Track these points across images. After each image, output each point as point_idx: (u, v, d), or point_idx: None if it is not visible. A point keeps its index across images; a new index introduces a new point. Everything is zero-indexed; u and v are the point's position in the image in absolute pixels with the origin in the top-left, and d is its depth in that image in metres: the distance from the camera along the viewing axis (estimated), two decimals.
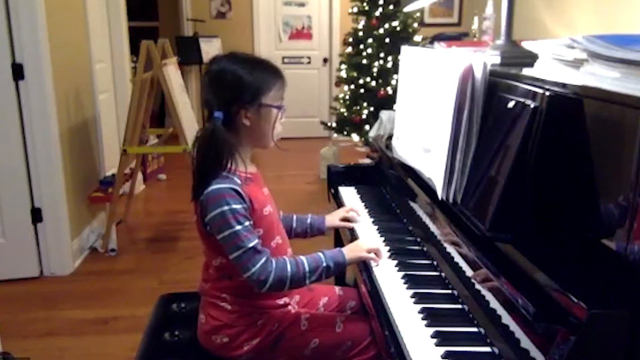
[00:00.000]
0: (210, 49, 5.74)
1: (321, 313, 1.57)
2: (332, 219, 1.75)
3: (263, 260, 1.31)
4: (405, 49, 1.81)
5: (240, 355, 1.42)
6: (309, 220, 1.69)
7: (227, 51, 1.43)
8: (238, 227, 1.30)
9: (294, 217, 1.69)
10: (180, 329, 1.56)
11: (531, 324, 0.88)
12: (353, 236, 1.67)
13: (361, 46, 4.64)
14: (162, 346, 1.52)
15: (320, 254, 1.41)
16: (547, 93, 1.03)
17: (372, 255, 1.44)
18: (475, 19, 2.72)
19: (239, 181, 1.34)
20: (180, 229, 3.67)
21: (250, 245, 1.30)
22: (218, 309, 1.43)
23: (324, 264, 1.38)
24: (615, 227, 0.92)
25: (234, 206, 1.30)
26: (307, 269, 1.36)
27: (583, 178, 1.00)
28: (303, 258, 1.38)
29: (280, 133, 1.43)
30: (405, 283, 1.33)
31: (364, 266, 1.45)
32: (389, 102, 4.30)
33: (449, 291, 1.29)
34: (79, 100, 3.43)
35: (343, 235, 1.79)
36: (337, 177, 2.18)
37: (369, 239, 1.61)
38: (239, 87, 1.33)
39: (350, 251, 1.44)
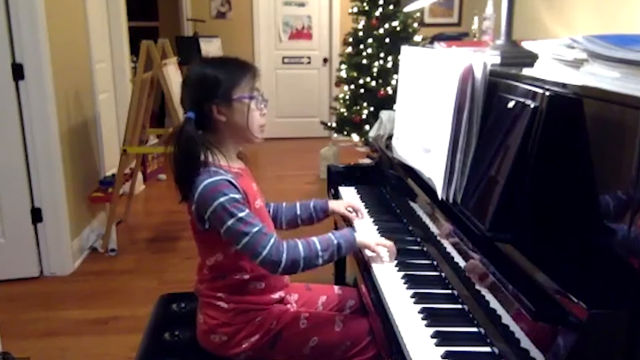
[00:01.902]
0: (210, 49, 5.73)
1: (320, 312, 1.57)
2: (337, 204, 1.75)
3: (272, 241, 1.32)
4: (405, 49, 1.81)
5: (239, 353, 1.42)
6: (312, 204, 1.69)
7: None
8: (241, 214, 1.31)
9: (297, 204, 1.69)
10: (180, 329, 1.56)
11: (531, 324, 0.88)
12: None
13: (361, 46, 4.64)
14: (162, 346, 1.52)
15: (330, 234, 1.42)
16: (547, 93, 1.03)
17: (377, 248, 1.44)
18: (475, 19, 2.72)
19: (230, 175, 1.36)
20: (180, 229, 3.66)
21: (256, 229, 1.31)
22: (215, 309, 1.43)
23: (335, 242, 1.39)
24: (615, 226, 0.92)
25: (232, 195, 1.31)
26: (318, 247, 1.37)
27: (583, 178, 1.00)
28: (314, 238, 1.39)
29: (263, 125, 1.44)
30: (405, 283, 1.33)
31: (364, 266, 1.45)
32: (389, 102, 4.30)
33: (449, 291, 1.28)
34: (79, 100, 3.43)
35: None
36: (337, 177, 2.18)
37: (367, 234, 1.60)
38: (206, 84, 1.36)
39: (360, 236, 1.45)
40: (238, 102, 1.37)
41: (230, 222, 1.30)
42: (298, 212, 1.68)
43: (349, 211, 1.75)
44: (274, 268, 1.33)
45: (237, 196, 1.32)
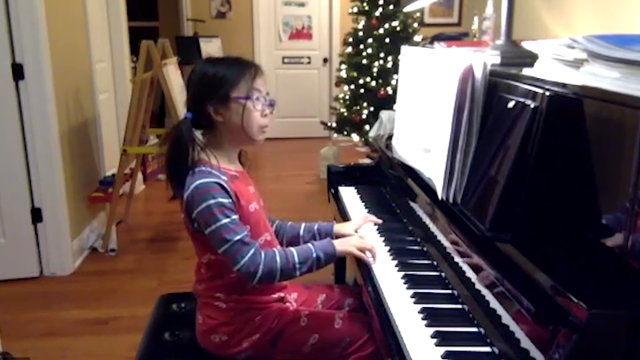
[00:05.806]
0: (210, 49, 5.73)
1: (320, 310, 1.57)
2: (345, 228, 1.64)
3: (251, 252, 1.32)
4: (405, 49, 1.81)
5: (240, 352, 1.42)
6: (316, 227, 1.63)
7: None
8: (225, 221, 1.30)
9: (302, 225, 1.65)
10: (180, 329, 1.56)
11: (531, 324, 0.88)
12: None
13: (361, 46, 4.64)
14: (162, 346, 1.52)
15: (310, 245, 1.42)
16: (547, 93, 1.03)
17: (361, 254, 1.44)
18: (475, 19, 2.72)
19: (224, 177, 1.35)
20: (180, 229, 3.64)
21: (237, 238, 1.31)
22: (214, 309, 1.44)
23: (314, 255, 1.39)
24: (615, 227, 0.92)
25: (221, 199, 1.31)
26: (296, 259, 1.37)
27: (583, 178, 1.00)
28: (293, 249, 1.39)
29: (264, 126, 1.40)
30: (405, 283, 1.33)
31: (364, 266, 1.45)
32: (389, 102, 4.30)
33: (449, 291, 1.29)
34: (79, 100, 3.43)
35: None
36: (337, 177, 2.18)
37: (365, 236, 1.59)
38: (204, 84, 1.37)
39: (340, 244, 1.45)
40: (235, 103, 1.36)
41: (213, 226, 1.30)
42: (301, 233, 1.63)
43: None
44: (250, 278, 1.33)
45: (226, 201, 1.31)
